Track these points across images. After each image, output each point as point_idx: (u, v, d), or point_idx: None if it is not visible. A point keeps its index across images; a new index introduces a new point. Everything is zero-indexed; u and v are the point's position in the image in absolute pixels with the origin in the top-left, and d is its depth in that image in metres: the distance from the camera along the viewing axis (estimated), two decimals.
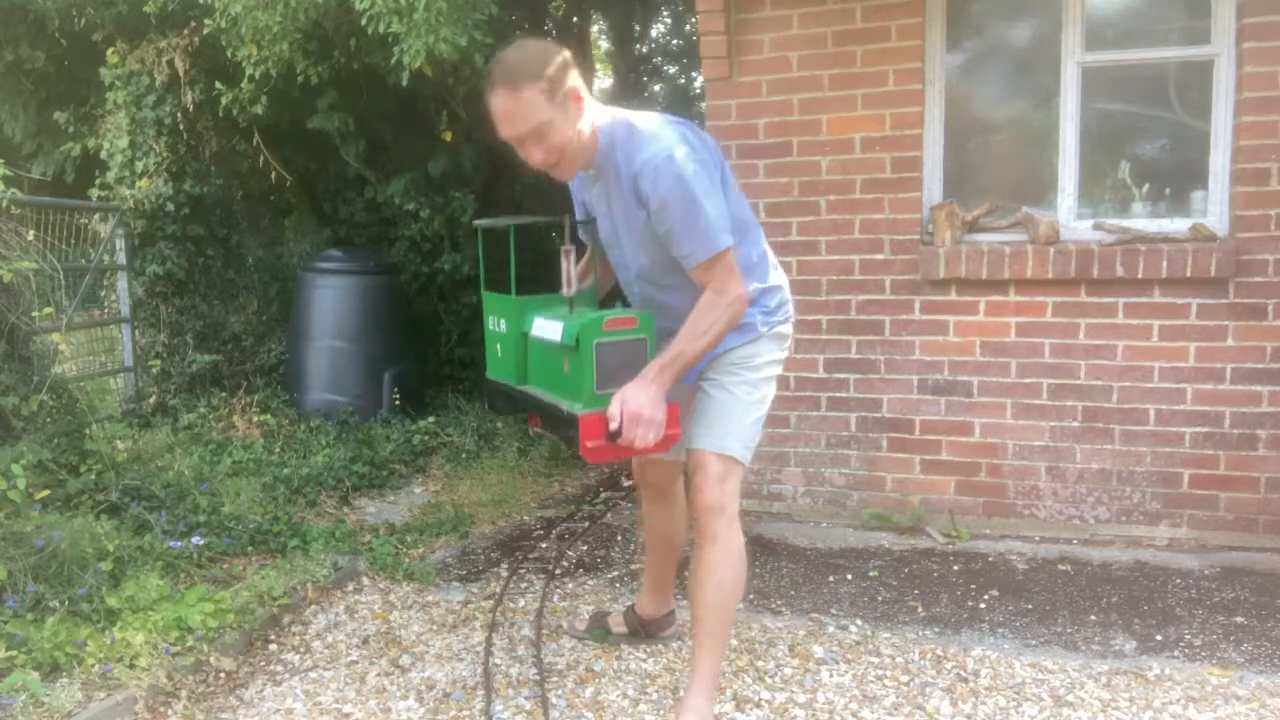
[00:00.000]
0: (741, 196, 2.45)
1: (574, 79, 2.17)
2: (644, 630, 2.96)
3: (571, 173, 2.29)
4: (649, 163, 2.14)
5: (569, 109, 2.16)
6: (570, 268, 2.37)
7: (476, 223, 2.60)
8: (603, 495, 4.77)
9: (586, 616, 3.09)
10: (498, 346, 2.57)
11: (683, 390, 2.50)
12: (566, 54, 2.17)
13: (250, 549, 3.78)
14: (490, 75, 2.15)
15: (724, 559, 2.34)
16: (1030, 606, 3.24)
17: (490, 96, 2.16)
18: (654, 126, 2.21)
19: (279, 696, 2.69)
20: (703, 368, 2.42)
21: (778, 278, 2.50)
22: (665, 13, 9.80)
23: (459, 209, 6.36)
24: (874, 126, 4.02)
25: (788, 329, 2.51)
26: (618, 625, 2.99)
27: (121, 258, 5.89)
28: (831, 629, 3.07)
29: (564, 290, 2.38)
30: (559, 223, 2.51)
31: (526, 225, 2.59)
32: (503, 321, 2.53)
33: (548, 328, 2.35)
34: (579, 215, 2.56)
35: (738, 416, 2.39)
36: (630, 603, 3.05)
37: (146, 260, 6.07)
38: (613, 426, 2.13)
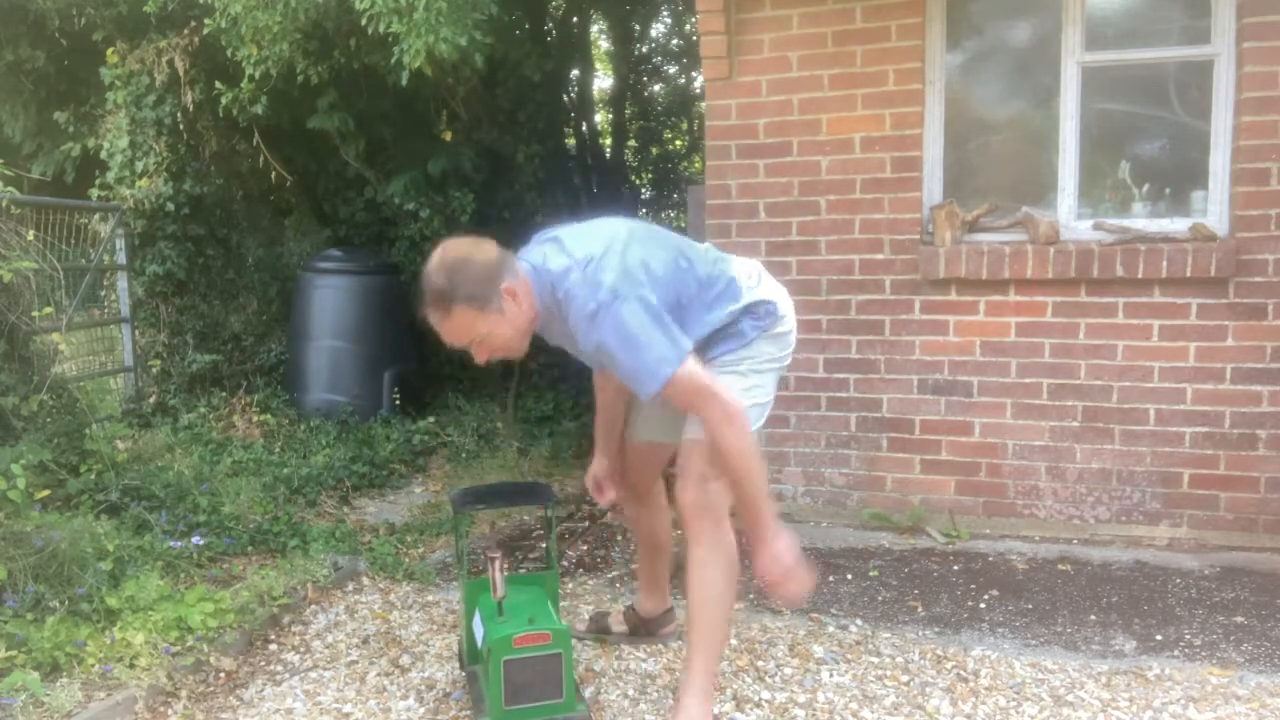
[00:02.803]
0: (700, 255, 2.42)
1: (505, 275, 2.17)
2: (644, 629, 2.96)
3: (521, 353, 2.31)
4: (594, 314, 2.14)
5: (506, 309, 2.18)
6: (496, 573, 2.38)
7: (456, 509, 2.60)
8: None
9: (586, 616, 3.09)
10: (464, 618, 2.61)
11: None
12: (492, 254, 2.18)
13: (250, 549, 3.78)
14: (421, 290, 2.19)
15: (710, 558, 2.32)
16: (1030, 606, 3.24)
17: (424, 312, 2.20)
18: (569, 280, 2.17)
19: (279, 696, 2.69)
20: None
21: (761, 291, 2.45)
22: (665, 13, 9.79)
23: (459, 208, 6.37)
24: (874, 126, 4.02)
25: (784, 326, 2.49)
26: (618, 624, 3.00)
27: (121, 257, 5.89)
28: (831, 629, 3.07)
29: (494, 593, 2.40)
30: (536, 495, 2.63)
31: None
32: (462, 602, 2.60)
33: (478, 629, 2.43)
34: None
35: None
36: (630, 601, 3.05)
37: (146, 260, 6.07)
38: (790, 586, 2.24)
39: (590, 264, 2.18)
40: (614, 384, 2.60)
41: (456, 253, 2.18)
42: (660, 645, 2.94)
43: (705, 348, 2.40)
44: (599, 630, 3.00)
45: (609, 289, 2.13)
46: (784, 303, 2.50)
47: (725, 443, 2.18)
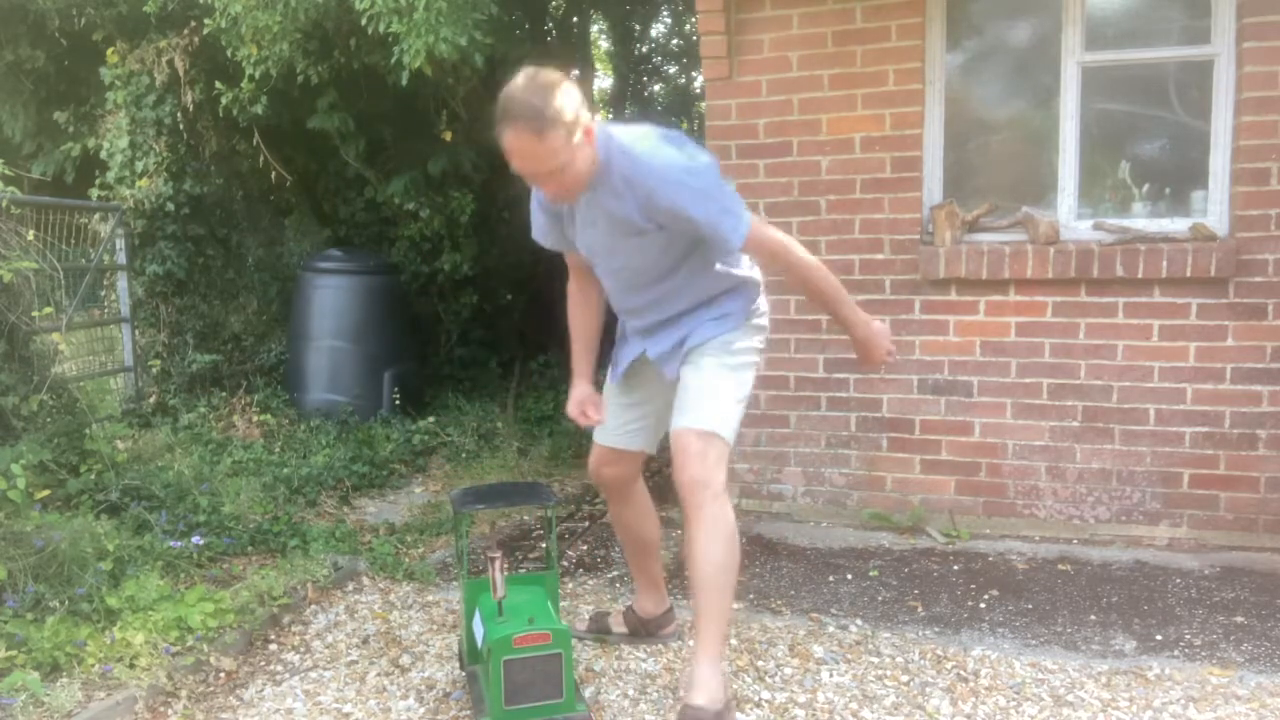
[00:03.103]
0: None
1: (587, 112, 2.19)
2: (644, 629, 2.95)
3: (572, 192, 2.29)
4: (664, 177, 2.22)
5: (583, 146, 2.19)
6: (496, 573, 2.38)
7: (457, 509, 2.58)
8: (603, 495, 4.77)
9: (587, 616, 3.10)
10: (464, 618, 2.61)
11: (665, 387, 2.55)
12: (576, 87, 2.19)
13: (250, 549, 3.78)
14: (508, 109, 2.12)
15: (712, 532, 2.34)
16: (1030, 606, 3.24)
17: (507, 132, 2.13)
18: (646, 143, 2.26)
19: (279, 696, 2.69)
20: (684, 356, 2.49)
21: (754, 271, 2.56)
22: (665, 13, 9.80)
23: (459, 208, 6.37)
24: (874, 126, 4.02)
25: (764, 321, 2.59)
26: (618, 625, 2.99)
27: (121, 257, 5.89)
28: (831, 629, 3.07)
29: (494, 594, 2.39)
30: (536, 495, 2.62)
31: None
32: (463, 602, 2.60)
33: (478, 629, 2.42)
34: (537, 233, 2.59)
35: (716, 395, 2.42)
36: (629, 602, 3.06)
37: (146, 260, 6.08)
38: (889, 357, 2.51)
39: (672, 136, 2.28)
40: (591, 302, 2.67)
41: (551, 78, 2.15)
42: (660, 645, 2.94)
43: (695, 323, 2.47)
44: (599, 630, 3.00)
45: (677, 146, 2.25)
46: (763, 292, 2.60)
47: (804, 268, 2.38)
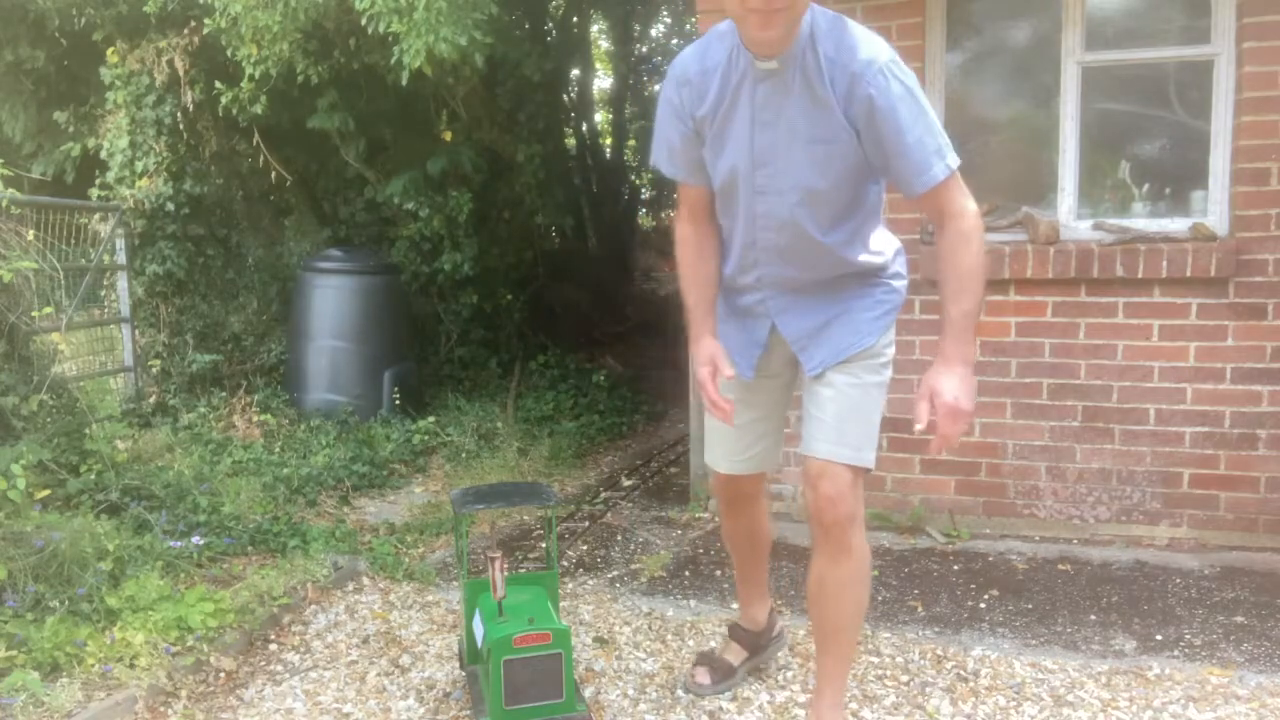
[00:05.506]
0: None
1: None
2: (759, 641, 2.70)
3: (779, 43, 1.88)
4: (873, 64, 1.87)
5: None
6: (496, 573, 2.36)
7: (457, 510, 2.56)
8: (603, 495, 4.77)
9: (707, 681, 2.64)
10: (464, 618, 2.60)
11: (781, 391, 2.36)
12: None
13: (250, 549, 3.77)
14: None
15: (859, 575, 2.24)
16: (1030, 606, 3.24)
17: None
18: (854, 25, 1.91)
19: (279, 696, 2.69)
20: (830, 360, 2.20)
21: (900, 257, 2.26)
22: (665, 13, 9.80)
23: (458, 208, 6.37)
24: None
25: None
26: (736, 655, 2.68)
27: (121, 257, 5.89)
28: None
29: (494, 594, 2.38)
30: (536, 495, 2.63)
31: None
32: (463, 602, 2.59)
33: (478, 629, 2.42)
34: (661, 153, 2.19)
35: (866, 418, 2.18)
36: (731, 624, 2.80)
37: (146, 260, 6.08)
38: (921, 426, 2.00)
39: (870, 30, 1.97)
40: (711, 247, 2.25)
41: None
42: (660, 645, 2.94)
43: (843, 309, 2.17)
44: (725, 676, 2.64)
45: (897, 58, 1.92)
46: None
47: (974, 258, 1.95)
